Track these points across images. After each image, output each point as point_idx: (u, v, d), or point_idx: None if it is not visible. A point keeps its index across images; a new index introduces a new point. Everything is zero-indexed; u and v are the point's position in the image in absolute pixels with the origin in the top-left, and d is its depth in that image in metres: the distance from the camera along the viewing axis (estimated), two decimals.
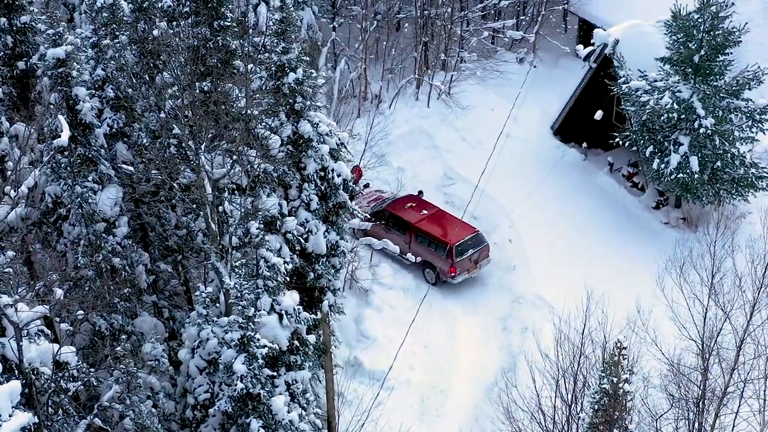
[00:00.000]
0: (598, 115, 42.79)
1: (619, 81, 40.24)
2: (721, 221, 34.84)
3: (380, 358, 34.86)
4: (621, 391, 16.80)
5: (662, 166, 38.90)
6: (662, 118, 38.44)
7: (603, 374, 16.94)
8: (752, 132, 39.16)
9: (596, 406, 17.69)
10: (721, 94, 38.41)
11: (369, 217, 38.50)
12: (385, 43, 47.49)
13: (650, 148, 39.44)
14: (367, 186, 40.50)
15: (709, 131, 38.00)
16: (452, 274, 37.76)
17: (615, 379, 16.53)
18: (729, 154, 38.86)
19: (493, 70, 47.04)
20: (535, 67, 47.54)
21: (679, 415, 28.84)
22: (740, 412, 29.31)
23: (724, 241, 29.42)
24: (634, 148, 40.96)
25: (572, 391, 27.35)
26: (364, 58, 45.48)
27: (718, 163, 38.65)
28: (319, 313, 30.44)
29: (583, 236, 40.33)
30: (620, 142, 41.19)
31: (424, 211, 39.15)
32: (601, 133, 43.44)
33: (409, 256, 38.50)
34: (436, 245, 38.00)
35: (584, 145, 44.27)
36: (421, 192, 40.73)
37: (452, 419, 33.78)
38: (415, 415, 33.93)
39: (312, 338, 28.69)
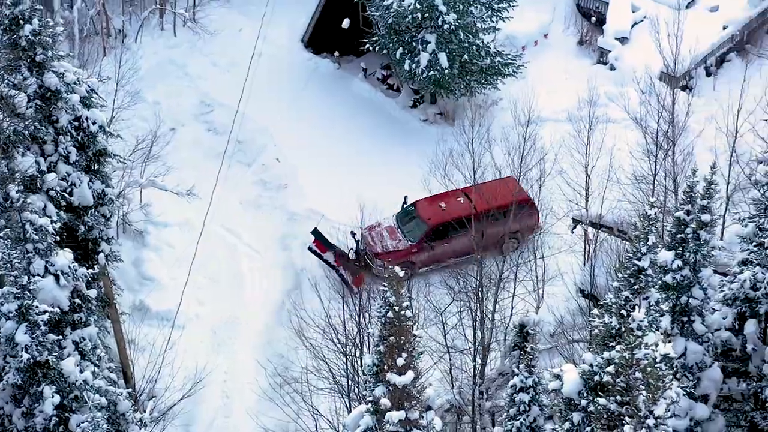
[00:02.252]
0: (346, 23, 43.17)
1: None
2: (476, 113, 36.12)
3: (166, 298, 34.65)
4: (403, 317, 17.50)
5: (413, 65, 39.80)
6: (407, 19, 39.18)
7: (388, 305, 17.55)
8: (493, 22, 40.54)
9: (383, 319, 18.36)
10: None
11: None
12: None
13: (400, 50, 40.22)
14: (353, 234, 35.58)
15: (452, 26, 39.05)
16: (540, 227, 34.70)
17: (397, 308, 17.20)
18: (474, 46, 40.13)
19: None
20: None
21: (461, 307, 30.26)
22: (517, 293, 31.03)
23: (480, 138, 30.62)
24: (385, 52, 41.65)
25: (358, 302, 28.15)
26: None
27: (466, 56, 39.86)
28: (96, 266, 29.84)
29: (348, 145, 40.90)
30: (370, 47, 41.79)
31: (460, 199, 35.14)
32: (351, 40, 43.86)
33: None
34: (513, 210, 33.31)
35: (336, 54, 44.63)
36: (406, 197, 36.60)
37: (246, 346, 34.12)
38: (209, 348, 34.06)
39: (93, 292, 28.11)
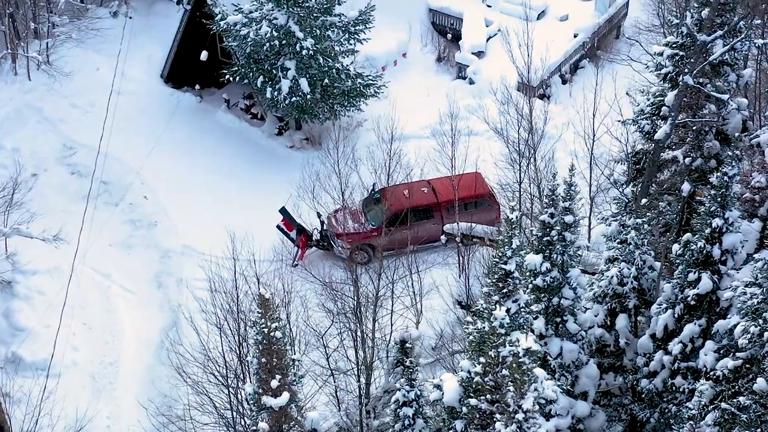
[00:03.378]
0: (204, 55, 42.99)
1: (216, 18, 40.49)
2: (340, 136, 36.34)
3: (40, 347, 33.80)
4: (273, 338, 17.45)
5: (275, 93, 39.82)
6: (265, 47, 39.21)
7: (257, 327, 17.49)
8: (351, 44, 40.88)
9: (261, 360, 18.29)
10: (315, 14, 39.65)
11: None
12: None
13: (261, 78, 40.20)
14: (319, 215, 36.01)
15: (311, 52, 39.23)
16: (499, 220, 35.48)
17: (265, 330, 17.15)
18: (334, 70, 40.37)
19: (88, 29, 45.66)
20: (130, 18, 46.62)
21: (341, 328, 30.29)
22: (395, 310, 31.24)
23: (346, 158, 30.81)
24: (246, 81, 41.59)
25: (237, 332, 27.93)
26: None
27: (327, 80, 40.08)
28: None
29: (216, 177, 40.62)
30: (231, 78, 41.70)
31: (424, 189, 36.69)
32: (211, 72, 43.69)
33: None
34: (476, 203, 36.27)
35: (197, 87, 44.37)
36: (375, 184, 36.34)
37: (128, 389, 33.53)
38: (89, 394, 33.33)
39: None
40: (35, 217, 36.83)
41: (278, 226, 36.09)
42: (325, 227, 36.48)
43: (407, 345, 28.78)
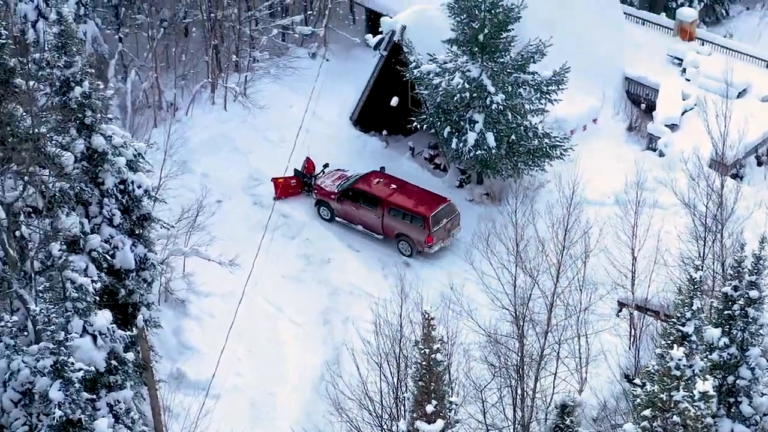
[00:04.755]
0: (394, 101, 43.42)
1: (410, 66, 40.91)
2: (521, 192, 35.94)
3: (204, 367, 34.32)
4: (434, 361, 17.04)
5: (461, 145, 39.80)
6: (455, 98, 39.30)
7: (418, 348, 17.19)
8: (541, 104, 40.53)
9: (417, 384, 17.90)
10: (509, 70, 39.58)
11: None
12: (174, 49, 46.74)
13: (447, 129, 40.28)
14: (326, 166, 41.74)
15: (501, 107, 39.10)
16: (429, 244, 38.52)
17: (427, 351, 16.79)
18: (522, 127, 40.09)
19: (286, 67, 47.00)
20: (327, 60, 47.77)
21: (501, 384, 29.63)
22: (558, 372, 30.36)
23: (524, 209, 30.38)
24: (433, 131, 41.76)
25: (396, 373, 27.68)
26: (154, 66, 44.65)
27: (513, 137, 39.81)
28: (134, 329, 29.74)
29: None
30: (418, 126, 41.94)
31: (393, 186, 40.10)
32: (400, 119, 44.07)
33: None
34: (412, 217, 38.82)
35: (384, 132, 44.84)
36: (383, 168, 41.72)
37: (285, 420, 33.59)
38: (246, 420, 33.56)
39: (130, 356, 28.01)
40: (215, 241, 37.70)
41: (295, 170, 41.48)
42: (316, 174, 41.43)
43: (568, 410, 27.88)
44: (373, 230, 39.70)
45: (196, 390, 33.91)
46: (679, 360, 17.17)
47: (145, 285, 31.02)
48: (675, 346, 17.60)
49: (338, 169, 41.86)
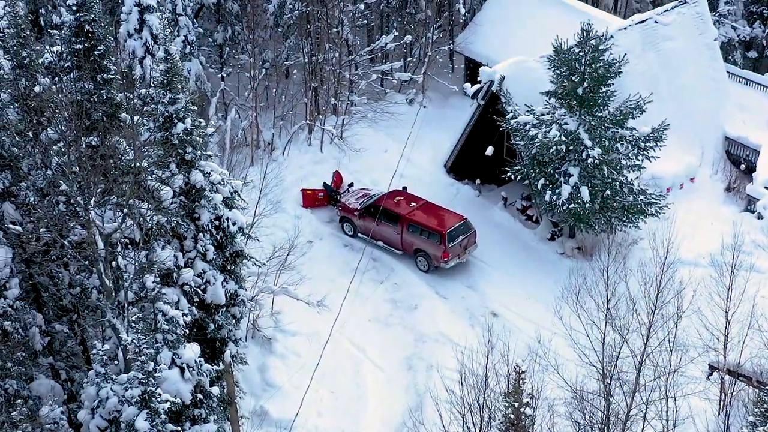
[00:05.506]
0: (489, 150, 43.38)
1: (507, 116, 40.90)
2: (613, 248, 35.52)
3: (287, 406, 34.46)
4: (523, 415, 16.84)
5: (554, 197, 39.55)
6: (551, 150, 39.12)
7: (506, 401, 17.01)
8: (638, 160, 40.10)
9: (507, 420, 17.72)
10: (606, 125, 39.29)
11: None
12: (274, 90, 47.50)
13: (542, 181, 40.07)
14: (351, 185, 43.49)
15: (597, 161, 38.80)
16: (445, 260, 39.62)
17: (516, 404, 16.60)
18: (618, 183, 39.68)
19: (383, 112, 47.40)
20: (425, 107, 48.03)
21: None
22: None
23: (616, 266, 29.98)
24: (526, 182, 41.54)
25: (479, 424, 27.42)
26: (254, 106, 45.40)
27: (608, 192, 39.41)
28: (221, 364, 30.08)
29: (483, 273, 40.66)
30: (512, 177, 41.82)
31: (413, 204, 41.42)
32: (494, 168, 44.03)
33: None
34: (429, 233, 39.95)
35: (477, 181, 44.80)
36: (405, 187, 42.89)
37: None
38: None
39: (216, 390, 28.35)
40: (303, 281, 38.00)
41: (324, 184, 43.29)
42: (341, 191, 43.03)
43: None
44: (392, 246, 41.06)
45: (277, 428, 34.04)
46: None
47: (233, 321, 31.41)
48: None
49: (363, 188, 43.39)
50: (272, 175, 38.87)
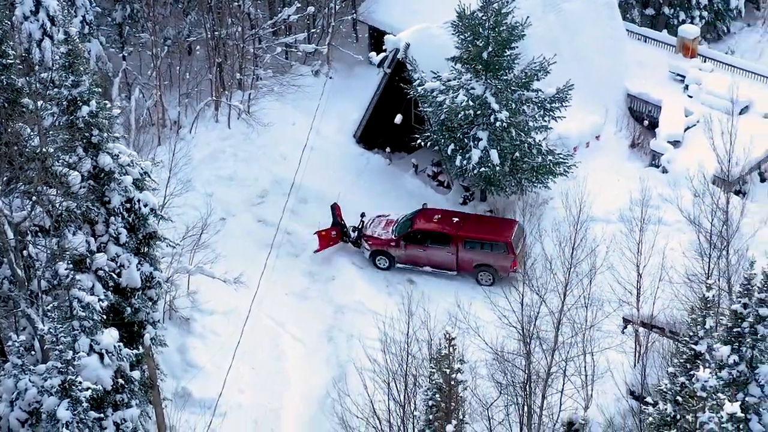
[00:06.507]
0: (398, 119, 43.45)
1: (414, 84, 40.99)
2: (526, 209, 35.97)
3: (209, 385, 34.26)
4: (453, 382, 17.02)
5: (464, 162, 39.84)
6: (459, 115, 39.36)
7: (433, 368, 17.16)
8: (545, 121, 40.60)
9: (430, 402, 17.87)
10: (512, 87, 39.67)
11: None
12: (178, 67, 46.80)
13: (451, 146, 40.33)
14: (363, 215, 40.37)
15: (504, 124, 39.16)
16: (514, 269, 37.42)
17: (447, 371, 16.78)
18: (526, 144, 40.14)
19: (290, 84, 47.05)
20: (331, 78, 47.84)
21: (508, 401, 29.58)
22: (565, 389, 30.31)
23: (531, 227, 30.38)
24: (436, 148, 41.79)
25: (404, 391, 27.63)
26: (158, 84, 44.70)
27: (517, 154, 39.84)
28: (140, 347, 29.73)
29: None
30: (422, 144, 41.97)
31: (455, 219, 39.31)
32: (403, 136, 44.13)
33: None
34: (492, 246, 38.16)
35: (387, 149, 44.87)
36: (425, 204, 40.92)
37: None
38: None
39: (136, 374, 28.05)
40: (219, 259, 37.67)
41: (332, 207, 40.00)
42: (362, 227, 39.72)
43: (575, 427, 27.86)
44: (445, 268, 38.47)
45: (201, 408, 33.80)
46: (705, 381, 17.14)
47: (150, 303, 31.11)
48: (701, 366, 17.58)
49: (379, 216, 40.51)
50: (181, 153, 38.32)
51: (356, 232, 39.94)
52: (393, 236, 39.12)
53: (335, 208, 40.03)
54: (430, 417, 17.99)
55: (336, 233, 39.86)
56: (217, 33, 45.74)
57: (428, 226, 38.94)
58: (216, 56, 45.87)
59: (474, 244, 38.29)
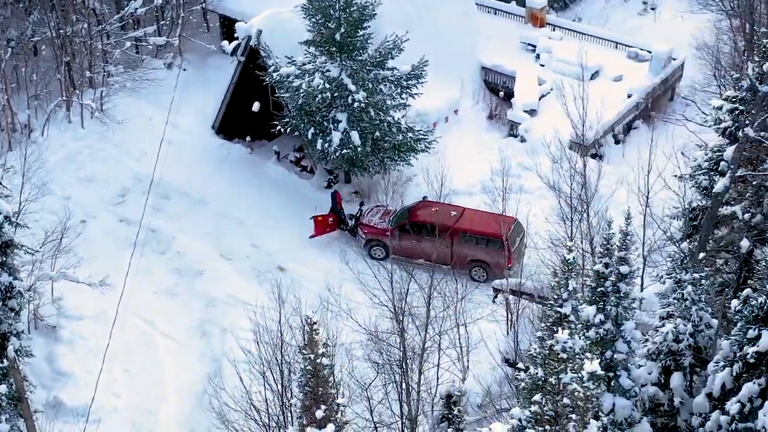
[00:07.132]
0: (256, 106, 43.00)
1: (269, 70, 40.61)
2: (390, 188, 36.09)
3: (81, 392, 33.45)
4: (320, 366, 16.94)
5: (326, 145, 39.71)
6: (317, 99, 39.16)
7: (301, 354, 17.07)
8: (402, 98, 40.73)
9: (304, 389, 17.75)
10: (368, 67, 39.65)
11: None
12: (24, 69, 45.34)
13: (311, 130, 40.13)
14: (362, 204, 40.34)
15: (362, 104, 39.15)
16: (509, 266, 36.54)
17: (312, 356, 16.67)
18: (385, 123, 40.23)
19: (143, 79, 46.13)
20: (184, 70, 47.09)
21: (386, 380, 29.65)
22: (441, 363, 30.55)
23: (395, 205, 30.45)
24: (297, 133, 41.52)
25: (281, 380, 27.42)
26: (4, 88, 43.24)
27: (377, 133, 39.89)
28: (5, 360, 28.70)
29: (264, 228, 40.45)
30: (282, 130, 41.64)
31: (453, 213, 38.02)
32: (263, 123, 43.72)
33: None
34: (487, 241, 37.16)
35: (248, 138, 44.40)
36: (425, 197, 39.06)
37: None
38: None
39: (3, 388, 27.19)
40: (82, 263, 36.81)
41: (332, 194, 40.04)
42: (360, 216, 39.52)
43: (454, 399, 28.11)
44: (439, 261, 35.83)
45: (75, 417, 32.95)
46: (565, 342, 17.43)
47: (12, 314, 29.98)
48: (559, 328, 17.89)
49: (377, 205, 40.04)
50: (33, 157, 37.21)
51: (354, 220, 39.66)
52: (389, 226, 38.47)
53: (335, 196, 39.77)
54: (306, 403, 17.87)
55: (333, 220, 39.61)
56: (62, 31, 44.48)
57: (423, 218, 37.83)
58: (63, 55, 44.62)
59: (470, 238, 37.35)
